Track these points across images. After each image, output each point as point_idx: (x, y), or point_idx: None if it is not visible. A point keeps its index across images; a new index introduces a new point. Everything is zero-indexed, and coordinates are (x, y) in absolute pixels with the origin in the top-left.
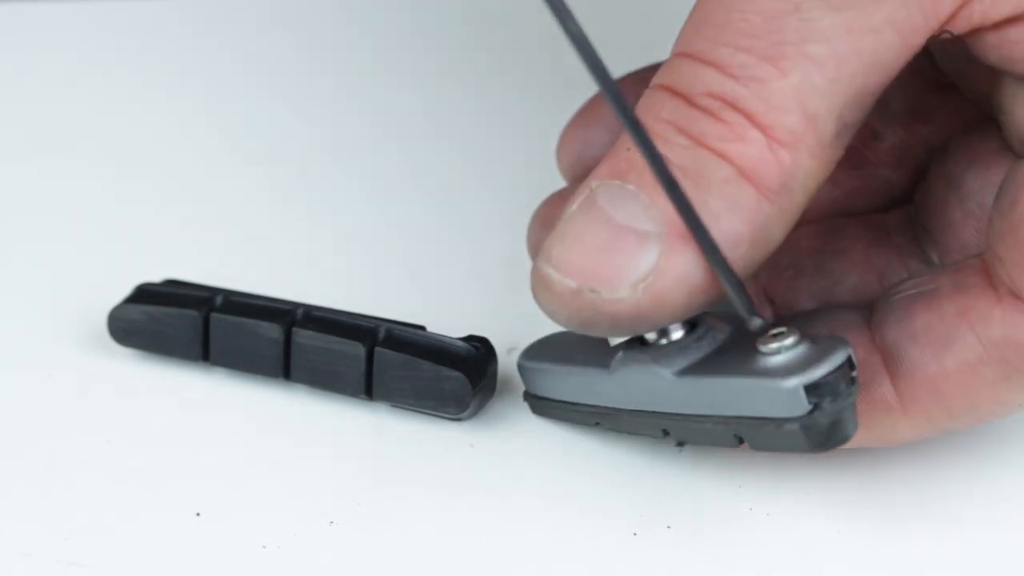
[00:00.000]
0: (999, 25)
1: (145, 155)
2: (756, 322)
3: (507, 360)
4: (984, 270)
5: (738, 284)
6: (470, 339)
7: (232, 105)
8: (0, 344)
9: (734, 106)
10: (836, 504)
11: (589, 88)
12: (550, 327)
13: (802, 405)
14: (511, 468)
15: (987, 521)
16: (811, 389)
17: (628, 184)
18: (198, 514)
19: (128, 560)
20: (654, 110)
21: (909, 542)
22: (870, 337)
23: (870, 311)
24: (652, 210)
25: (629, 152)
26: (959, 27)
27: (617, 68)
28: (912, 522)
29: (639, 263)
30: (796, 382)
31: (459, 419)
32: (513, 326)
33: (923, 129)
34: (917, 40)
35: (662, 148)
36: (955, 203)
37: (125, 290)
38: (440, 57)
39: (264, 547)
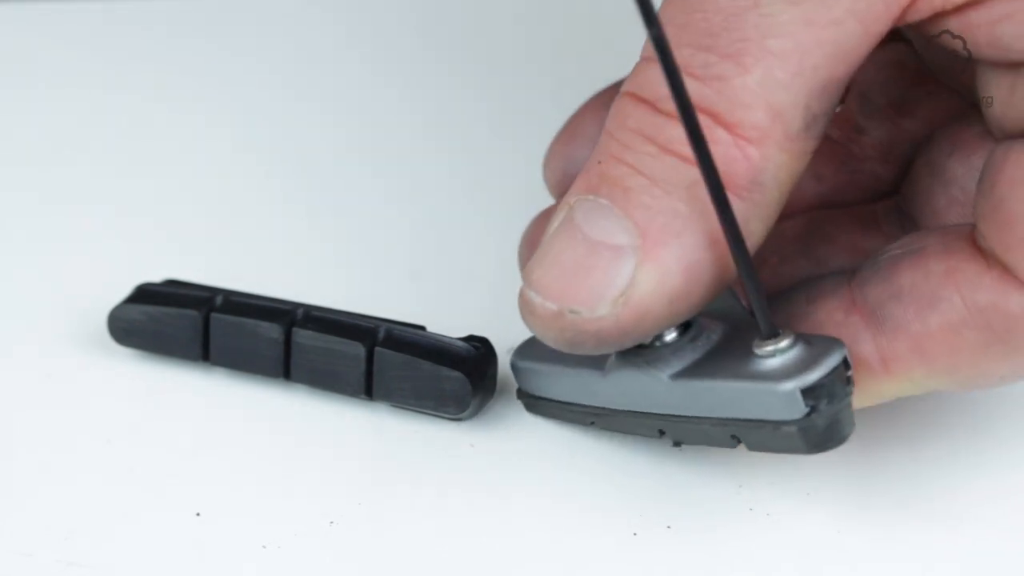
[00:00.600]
0: (960, 8)
1: (145, 155)
2: (767, 328)
3: (507, 360)
4: (972, 235)
5: (756, 280)
6: (470, 339)
7: (233, 105)
8: (0, 344)
9: (698, 107)
10: (836, 504)
11: (588, 90)
12: None
13: (799, 408)
14: (511, 468)
15: (988, 521)
16: (808, 392)
17: (601, 198)
18: (198, 514)
19: (128, 560)
20: (621, 119)
21: (909, 542)
22: (851, 298)
23: (852, 272)
24: (625, 222)
25: (601, 165)
26: (921, 12)
27: (614, 72)
28: (912, 522)
29: (615, 278)
30: (793, 385)
31: (459, 419)
32: (513, 326)
33: (908, 123)
34: (880, 28)
35: (630, 158)
36: (939, 190)
37: (125, 290)
38: (440, 58)
39: (264, 547)
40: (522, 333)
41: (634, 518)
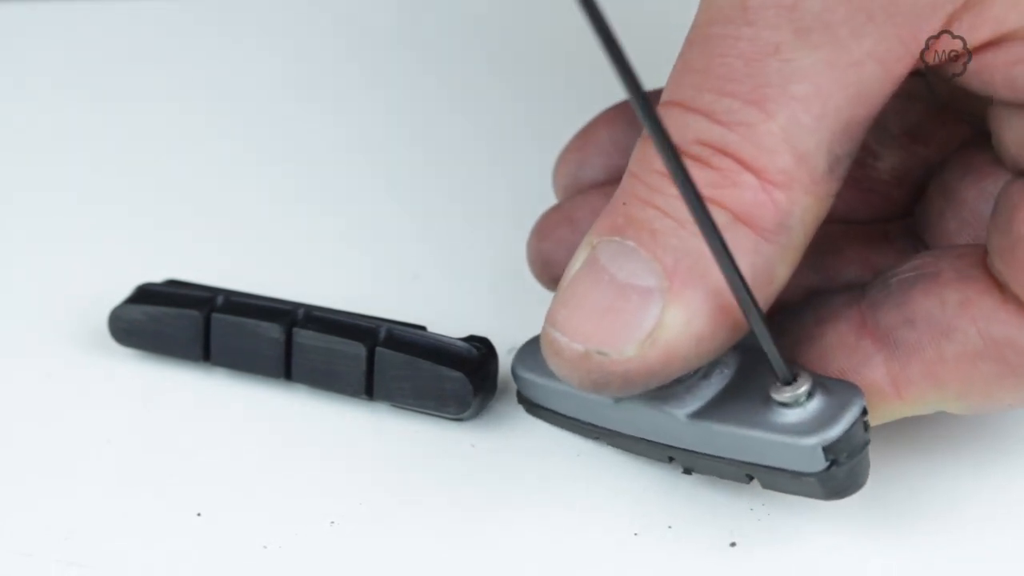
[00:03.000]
0: (978, 50)
1: (146, 155)
2: (784, 374)
3: (508, 360)
4: (985, 261)
5: (765, 327)
6: (471, 339)
7: (233, 105)
8: (0, 344)
9: (724, 152)
10: (837, 504)
11: (590, 92)
12: None
13: (820, 463)
14: (511, 468)
15: (989, 522)
16: (829, 448)
17: (628, 240)
18: (199, 514)
19: (128, 560)
20: (646, 161)
21: (910, 542)
22: (862, 320)
23: (862, 291)
24: (652, 264)
25: (626, 206)
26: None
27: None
28: (913, 522)
29: (643, 320)
30: (815, 442)
31: (460, 419)
32: (514, 326)
33: (922, 150)
34: (900, 70)
35: (658, 201)
36: (951, 213)
37: (125, 290)
38: (442, 58)
39: (264, 547)
40: (523, 333)
41: (634, 518)
